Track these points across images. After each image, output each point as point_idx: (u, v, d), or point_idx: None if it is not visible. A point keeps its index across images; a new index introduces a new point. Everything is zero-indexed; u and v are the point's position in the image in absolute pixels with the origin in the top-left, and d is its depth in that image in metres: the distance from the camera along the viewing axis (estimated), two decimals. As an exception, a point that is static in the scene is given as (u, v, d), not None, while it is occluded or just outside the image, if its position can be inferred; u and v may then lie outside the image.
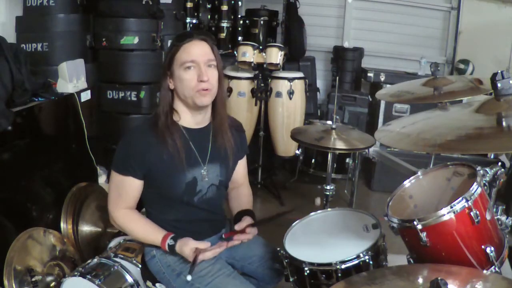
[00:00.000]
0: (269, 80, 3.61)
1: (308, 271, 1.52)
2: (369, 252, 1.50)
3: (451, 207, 1.26)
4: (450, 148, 1.18)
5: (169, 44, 3.11)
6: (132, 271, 1.81)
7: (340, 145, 2.17)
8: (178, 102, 1.53)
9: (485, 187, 1.34)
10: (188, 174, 1.53)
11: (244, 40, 3.92)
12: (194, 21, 3.96)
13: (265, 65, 3.51)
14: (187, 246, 1.48)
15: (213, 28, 4.16)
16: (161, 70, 1.53)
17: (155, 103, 2.98)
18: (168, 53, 1.52)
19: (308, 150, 3.59)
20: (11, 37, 2.57)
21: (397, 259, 1.59)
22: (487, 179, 1.35)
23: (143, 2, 2.93)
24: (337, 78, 3.11)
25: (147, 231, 1.55)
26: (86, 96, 2.51)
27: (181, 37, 1.50)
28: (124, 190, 1.54)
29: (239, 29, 4.16)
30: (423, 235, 1.28)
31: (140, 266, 1.78)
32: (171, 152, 1.48)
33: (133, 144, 1.50)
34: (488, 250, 1.27)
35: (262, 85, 3.52)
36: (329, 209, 1.89)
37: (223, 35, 4.09)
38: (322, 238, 1.68)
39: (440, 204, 1.43)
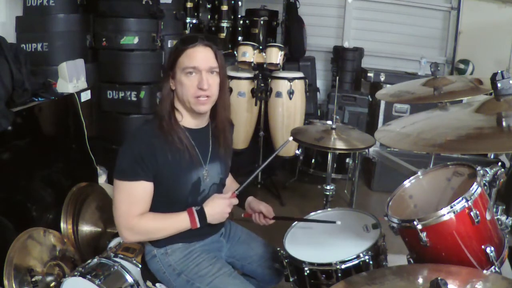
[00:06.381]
0: (269, 80, 3.61)
1: (308, 271, 1.52)
2: (369, 252, 1.50)
3: (451, 207, 1.26)
4: (450, 148, 1.18)
5: (169, 44, 3.17)
6: (132, 271, 1.81)
7: (340, 145, 2.17)
8: (178, 103, 1.53)
9: (485, 187, 1.34)
10: (193, 174, 1.52)
11: (244, 40, 3.91)
12: (194, 21, 3.96)
13: (265, 65, 3.51)
14: (215, 198, 1.54)
15: (213, 28, 4.15)
16: (162, 70, 1.53)
17: (155, 103, 2.98)
18: (171, 54, 1.50)
19: (308, 150, 3.59)
20: (11, 37, 2.57)
21: (397, 259, 1.59)
22: (487, 179, 1.35)
23: (143, 2, 2.93)
24: (337, 78, 3.11)
25: (170, 222, 1.49)
26: (86, 96, 2.51)
27: (185, 41, 1.48)
28: (137, 197, 1.45)
29: (239, 29, 4.16)
30: (423, 235, 1.28)
31: (140, 266, 1.78)
32: (178, 152, 1.47)
33: (139, 147, 1.44)
34: (488, 250, 1.27)
35: (262, 85, 3.52)
36: (329, 209, 1.90)
37: (223, 35, 4.08)
38: (322, 238, 1.68)
39: (440, 204, 1.43)
